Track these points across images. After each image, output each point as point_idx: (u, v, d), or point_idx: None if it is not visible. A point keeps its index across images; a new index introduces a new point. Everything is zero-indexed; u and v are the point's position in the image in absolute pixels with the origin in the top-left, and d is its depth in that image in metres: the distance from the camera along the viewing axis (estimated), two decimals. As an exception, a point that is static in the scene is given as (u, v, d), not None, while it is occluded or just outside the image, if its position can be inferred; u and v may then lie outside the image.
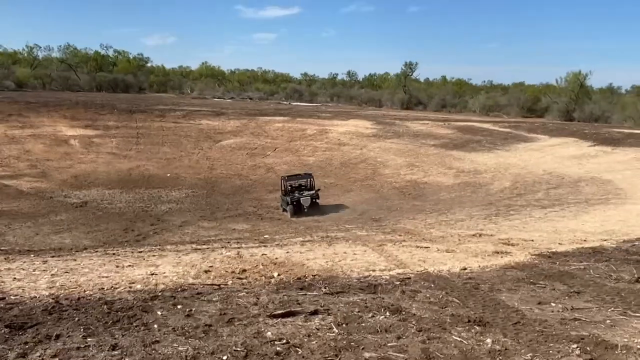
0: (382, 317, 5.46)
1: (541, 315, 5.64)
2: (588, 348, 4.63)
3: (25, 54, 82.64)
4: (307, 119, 41.70)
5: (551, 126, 38.60)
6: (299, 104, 63.62)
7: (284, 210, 22.17)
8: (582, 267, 8.08)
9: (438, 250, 9.93)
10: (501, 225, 14.27)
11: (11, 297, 5.95)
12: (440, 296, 6.32)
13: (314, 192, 22.55)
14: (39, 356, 4.25)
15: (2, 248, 12.52)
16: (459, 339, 4.87)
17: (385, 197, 24.00)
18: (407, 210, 20.71)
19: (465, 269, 8.01)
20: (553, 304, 6.11)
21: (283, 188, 23.03)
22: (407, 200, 22.93)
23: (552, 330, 5.10)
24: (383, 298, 6.20)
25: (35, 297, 5.96)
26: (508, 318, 5.53)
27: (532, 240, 10.99)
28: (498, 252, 9.52)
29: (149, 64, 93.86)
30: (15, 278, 7.16)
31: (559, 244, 10.46)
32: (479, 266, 8.26)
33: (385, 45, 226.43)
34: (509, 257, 9.04)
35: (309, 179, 23.58)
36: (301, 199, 21.68)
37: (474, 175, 25.65)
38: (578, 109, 50.88)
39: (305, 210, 21.50)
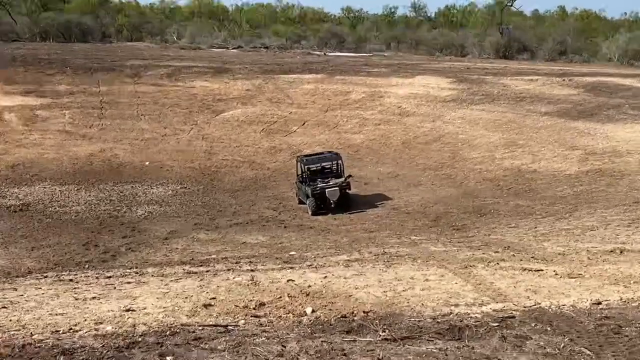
0: (472, 375, 5.44)
1: None
2: None
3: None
4: (351, 76, 41.48)
5: None
6: (338, 54, 63.30)
7: (301, 202, 23.55)
8: None
9: (556, 274, 9.81)
10: (655, 237, 13.94)
11: None
12: (562, 345, 6.26)
13: (343, 179, 23.21)
14: None
15: None
16: (591, 410, 4.82)
17: (472, 194, 23.72)
18: (506, 213, 20.43)
19: (599, 303, 7.90)
20: None
21: (300, 173, 24.05)
22: (505, 198, 22.60)
23: None
24: (473, 347, 6.18)
25: (-38, 343, 6.18)
26: (668, 379, 5.43)
27: None
28: (650, 278, 9.35)
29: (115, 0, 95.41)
30: None
31: None
32: (621, 299, 8.12)
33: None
34: (667, 286, 8.86)
35: (336, 161, 24.32)
36: (326, 190, 22.28)
37: (610, 158, 25.08)
38: None
39: (332, 205, 22.27)
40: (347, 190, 23.23)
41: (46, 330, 6.67)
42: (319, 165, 24.28)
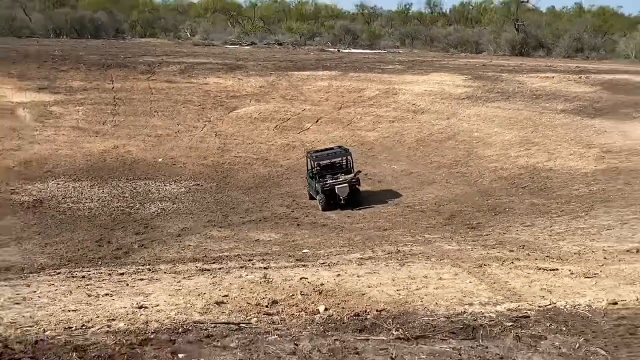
0: (486, 375, 5.43)
1: None
2: None
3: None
4: (365, 73, 41.47)
5: None
6: (352, 51, 63.31)
7: (312, 198, 24.13)
8: None
9: (572, 273, 9.79)
10: (672, 236, 13.87)
11: (-59, 338, 6.24)
12: (577, 345, 6.24)
13: (352, 175, 23.62)
14: None
15: None
16: (606, 411, 4.80)
17: (487, 192, 23.67)
18: (521, 212, 20.38)
19: (615, 303, 7.87)
20: None
21: (310, 168, 24.52)
22: (520, 197, 22.54)
23: None
24: (487, 347, 6.17)
25: (-25, 339, 6.22)
26: (685, 381, 5.40)
27: None
28: (668, 278, 9.30)
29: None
30: (-55, 311, 7.50)
31: None
32: (638, 299, 8.09)
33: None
34: (685, 286, 8.81)
35: (345, 157, 24.66)
36: (336, 186, 22.75)
37: (627, 157, 24.93)
38: None
39: (342, 202, 22.73)
40: (357, 186, 23.46)
41: (59, 327, 6.71)
42: (328, 161, 24.52)
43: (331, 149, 25.98)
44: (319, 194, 22.94)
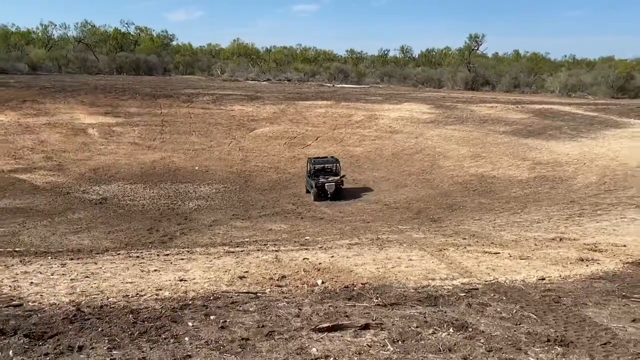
0: (445, 333, 5.43)
1: (636, 335, 5.48)
2: (695, 376, 4.48)
3: (40, 33, 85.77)
4: (353, 103, 41.57)
5: (648, 109, 37.05)
6: (344, 85, 63.36)
7: (308, 191, 25.15)
8: (688, 278, 7.79)
9: (510, 256, 9.79)
10: (586, 228, 13.89)
11: (29, 303, 6.25)
12: (514, 311, 6.24)
13: (339, 177, 24.65)
14: (61, 369, 4.44)
15: (17, 249, 13.11)
16: (536, 361, 4.80)
17: (446, 194, 23.71)
18: (472, 209, 20.41)
19: (543, 279, 7.89)
20: (651, 322, 5.92)
21: (309, 170, 25.63)
22: (471, 197, 22.58)
23: (650, 354, 4.95)
24: (445, 312, 6.17)
25: (55, 304, 6.23)
26: (596, 337, 5.41)
27: (625, 246, 10.66)
28: (583, 260, 9.32)
29: (174, 42, 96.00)
30: (32, 282, 7.50)
31: (658, 250, 10.11)
32: (560, 276, 8.10)
33: (445, 14, 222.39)
34: (596, 266, 8.83)
35: (335, 164, 25.82)
36: (326, 184, 23.89)
37: (552, 167, 25.00)
38: (682, 87, 48.62)
39: (329, 195, 23.81)
40: (341, 186, 24.56)
41: (119, 295, 6.71)
42: (322, 165, 25.73)
43: (325, 157, 27.18)
44: (313, 188, 24.09)
